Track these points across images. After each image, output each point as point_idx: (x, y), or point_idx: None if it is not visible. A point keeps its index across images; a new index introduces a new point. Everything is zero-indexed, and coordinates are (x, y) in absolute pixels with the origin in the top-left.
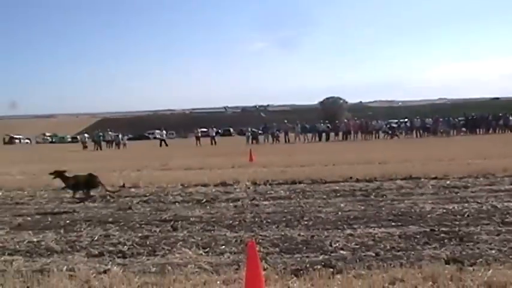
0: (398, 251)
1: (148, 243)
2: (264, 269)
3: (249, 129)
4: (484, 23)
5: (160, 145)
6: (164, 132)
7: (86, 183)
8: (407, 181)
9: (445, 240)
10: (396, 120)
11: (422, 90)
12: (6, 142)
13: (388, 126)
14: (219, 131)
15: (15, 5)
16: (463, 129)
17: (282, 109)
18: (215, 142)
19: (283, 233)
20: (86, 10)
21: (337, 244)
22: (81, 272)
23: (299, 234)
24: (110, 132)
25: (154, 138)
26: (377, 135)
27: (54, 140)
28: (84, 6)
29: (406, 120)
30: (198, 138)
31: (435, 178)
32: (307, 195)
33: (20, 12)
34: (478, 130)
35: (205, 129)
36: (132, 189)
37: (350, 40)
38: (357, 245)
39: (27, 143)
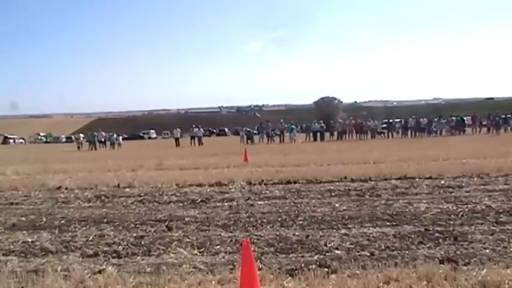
0: (393, 250)
1: (143, 243)
2: (259, 269)
3: (244, 129)
4: (480, 23)
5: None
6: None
7: None
8: (402, 181)
9: (440, 240)
10: (391, 120)
11: (417, 90)
12: (0, 142)
13: (383, 125)
14: (214, 130)
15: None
16: (454, 129)
17: (277, 109)
18: (201, 143)
19: (278, 233)
20: (83, 10)
21: (332, 244)
22: (76, 272)
23: (294, 234)
24: (102, 132)
25: (149, 138)
26: (372, 135)
27: (48, 140)
28: (81, 7)
29: (400, 120)
30: (193, 137)
31: (430, 178)
32: (302, 195)
33: (15, 12)
34: (470, 130)
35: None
36: (127, 189)
37: (345, 40)
38: (351, 244)
39: (21, 143)
